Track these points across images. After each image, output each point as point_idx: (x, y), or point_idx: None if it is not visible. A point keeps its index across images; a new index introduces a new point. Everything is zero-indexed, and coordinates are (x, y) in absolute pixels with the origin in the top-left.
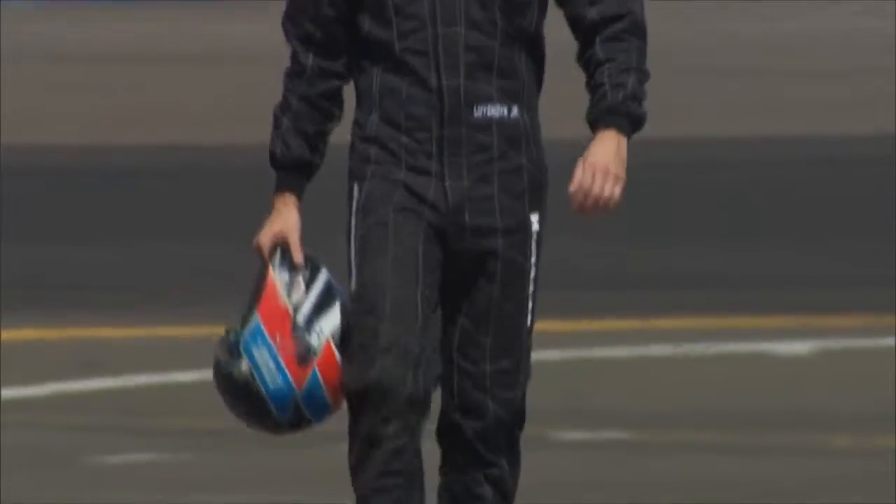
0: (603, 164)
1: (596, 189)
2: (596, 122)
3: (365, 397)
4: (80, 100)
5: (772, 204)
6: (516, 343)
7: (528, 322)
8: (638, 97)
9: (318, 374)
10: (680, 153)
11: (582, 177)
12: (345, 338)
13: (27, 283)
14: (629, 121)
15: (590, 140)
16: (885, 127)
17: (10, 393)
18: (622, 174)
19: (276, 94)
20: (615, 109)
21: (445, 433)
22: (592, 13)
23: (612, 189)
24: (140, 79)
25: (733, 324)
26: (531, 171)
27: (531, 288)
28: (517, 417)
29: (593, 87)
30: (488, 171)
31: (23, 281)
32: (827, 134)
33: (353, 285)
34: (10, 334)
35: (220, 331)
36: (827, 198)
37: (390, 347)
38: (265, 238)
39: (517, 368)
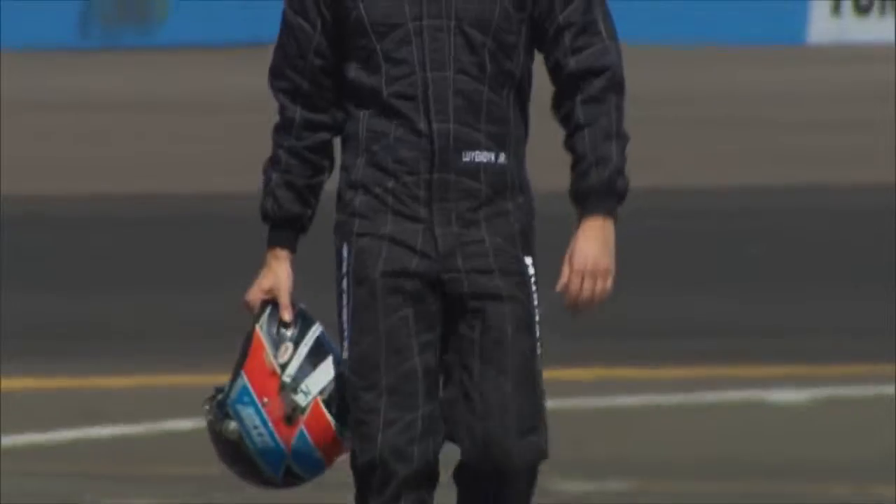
0: (590, 266)
1: (586, 294)
2: (581, 203)
3: (370, 476)
4: (80, 149)
5: (769, 253)
6: (533, 384)
7: (539, 365)
8: (621, 169)
9: (306, 432)
10: (675, 202)
11: (569, 282)
12: (337, 396)
13: (27, 332)
14: (616, 198)
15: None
16: (884, 177)
17: (9, 441)
18: (611, 265)
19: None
20: (601, 190)
21: (462, 474)
22: (572, 63)
23: (602, 288)
24: (137, 127)
25: (731, 372)
26: (519, 216)
27: (538, 332)
28: (535, 461)
29: (575, 154)
30: (476, 217)
31: (22, 330)
32: (825, 183)
33: (348, 359)
34: (9, 383)
35: (217, 379)
36: (824, 246)
37: (392, 423)
38: (254, 295)
39: (535, 411)
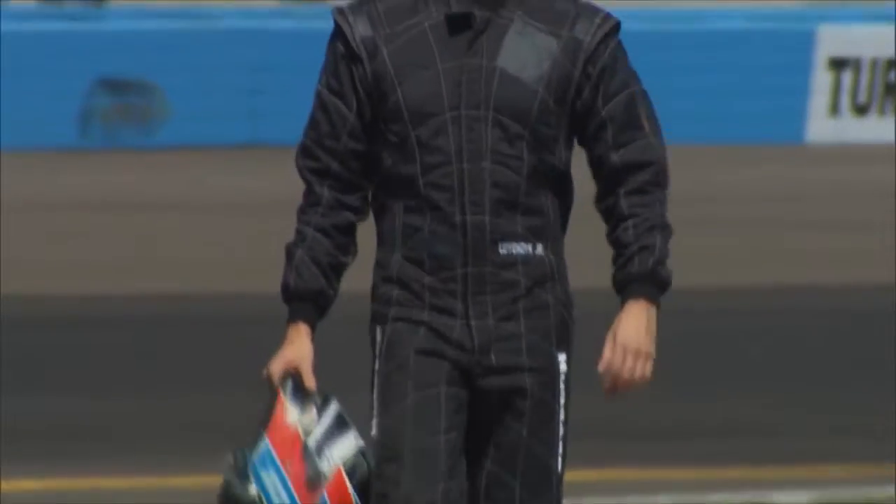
0: (634, 344)
1: (626, 373)
2: (624, 289)
3: None
4: (80, 249)
5: (769, 352)
6: (547, 488)
7: (559, 467)
8: (664, 260)
9: (328, 499)
10: (673, 301)
11: (612, 358)
12: (357, 469)
13: (28, 433)
14: (658, 287)
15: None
16: (885, 277)
17: None
18: (652, 350)
19: (279, 242)
20: (644, 277)
21: None
22: (615, 158)
23: (642, 369)
24: (138, 228)
25: (733, 474)
26: (558, 309)
27: (561, 431)
28: None
29: (617, 244)
30: (514, 310)
31: (23, 432)
32: (825, 283)
33: (374, 430)
34: (10, 485)
35: (219, 480)
36: (825, 347)
37: (412, 496)
38: (276, 366)
39: None
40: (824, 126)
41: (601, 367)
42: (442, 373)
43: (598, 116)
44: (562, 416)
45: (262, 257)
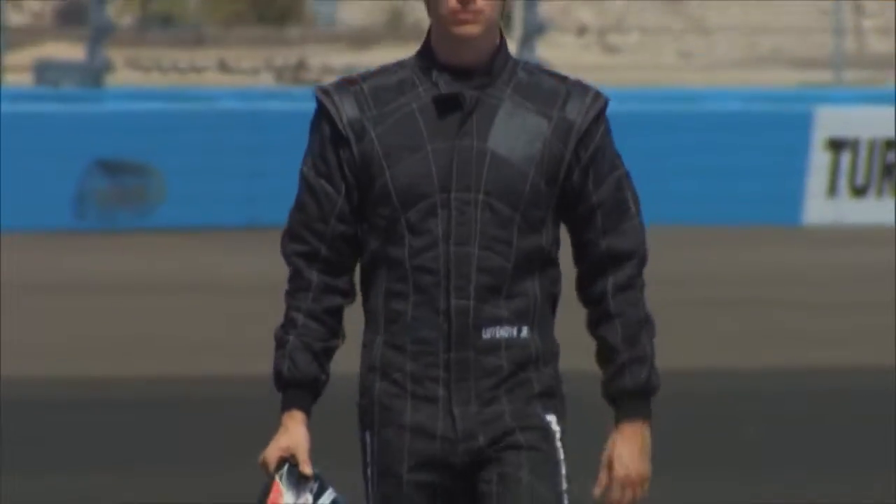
0: (633, 474)
1: (625, 503)
2: (618, 403)
3: None
4: (77, 331)
5: (768, 435)
6: None
7: None
8: (654, 364)
9: None
10: (672, 383)
11: (610, 491)
12: None
13: None
14: (650, 399)
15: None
16: (884, 359)
17: None
18: (648, 471)
19: (271, 324)
20: (638, 392)
21: None
22: (603, 245)
23: (639, 494)
24: (134, 309)
25: None
26: (541, 380)
27: (564, 484)
28: None
29: (605, 346)
30: (497, 394)
31: None
32: (824, 365)
33: None
34: None
35: None
36: (824, 429)
37: None
38: (272, 453)
39: None
40: (822, 207)
41: (596, 495)
42: (436, 487)
43: (588, 201)
44: (563, 470)
45: (261, 339)
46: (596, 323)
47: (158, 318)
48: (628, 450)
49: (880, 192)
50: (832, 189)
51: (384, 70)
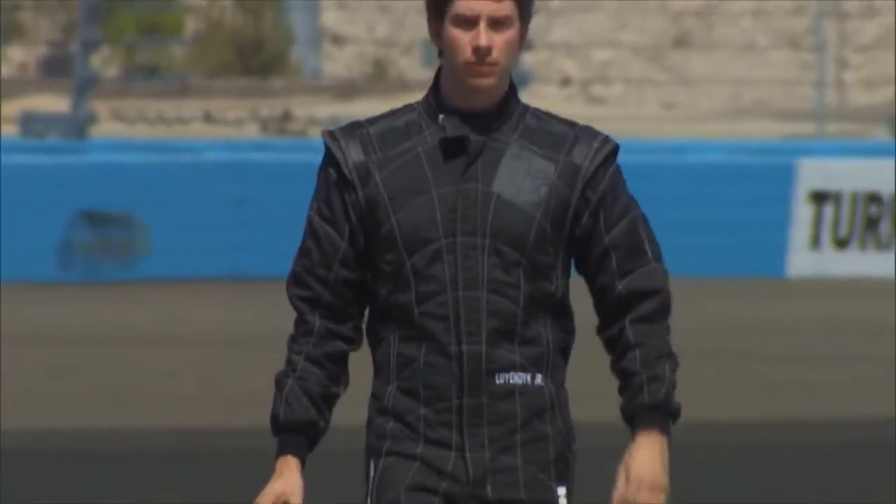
0: (648, 478)
1: None
2: (636, 419)
3: None
4: (61, 383)
5: (752, 489)
6: None
7: None
8: (673, 389)
9: None
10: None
11: (626, 493)
12: None
13: None
14: (670, 417)
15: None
16: (865, 412)
17: None
18: (666, 482)
19: (263, 375)
20: (656, 407)
21: None
22: (620, 287)
23: (657, 502)
24: (118, 361)
25: None
26: (557, 441)
27: None
28: None
29: (624, 373)
30: (511, 443)
31: None
32: (806, 417)
33: None
34: None
35: None
36: (807, 482)
37: None
38: (265, 499)
39: None
40: (805, 260)
41: (616, 499)
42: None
43: (600, 244)
44: None
45: (247, 391)
46: (617, 358)
47: (143, 369)
48: (646, 456)
49: (863, 245)
50: (815, 241)
51: (392, 113)
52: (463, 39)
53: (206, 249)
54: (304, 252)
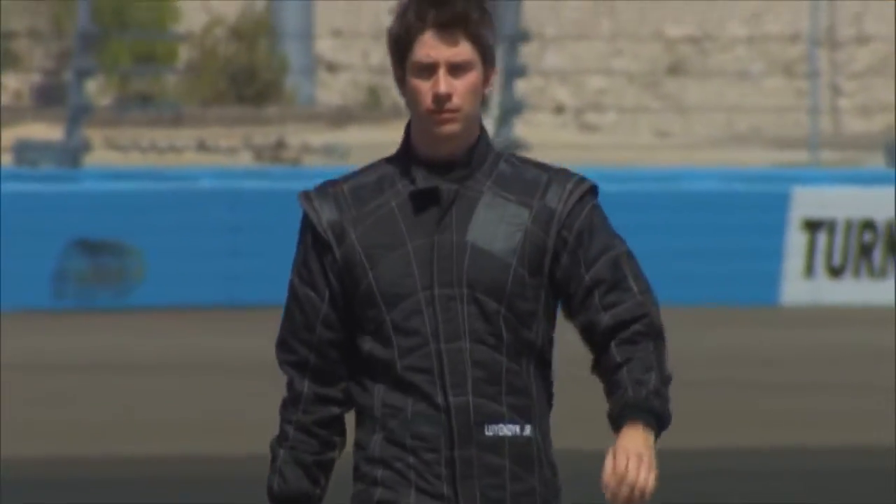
0: (636, 449)
1: (631, 475)
2: (619, 417)
3: None
4: (56, 411)
5: None
6: None
7: None
8: (661, 395)
9: None
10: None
11: (615, 462)
12: None
13: None
14: (654, 417)
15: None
16: (860, 439)
17: None
18: (654, 464)
19: (257, 402)
20: (638, 405)
21: None
22: (607, 319)
23: (647, 476)
24: (112, 389)
25: None
26: (544, 495)
27: None
28: None
29: (612, 388)
30: (502, 496)
31: None
32: (801, 445)
33: None
34: None
35: None
36: None
37: None
38: None
39: None
40: (799, 288)
41: (605, 474)
42: None
43: (582, 282)
44: None
45: (243, 419)
46: (608, 382)
47: (138, 397)
48: (632, 437)
49: (857, 273)
50: (809, 270)
51: (365, 169)
52: (423, 87)
53: (200, 277)
54: (287, 316)
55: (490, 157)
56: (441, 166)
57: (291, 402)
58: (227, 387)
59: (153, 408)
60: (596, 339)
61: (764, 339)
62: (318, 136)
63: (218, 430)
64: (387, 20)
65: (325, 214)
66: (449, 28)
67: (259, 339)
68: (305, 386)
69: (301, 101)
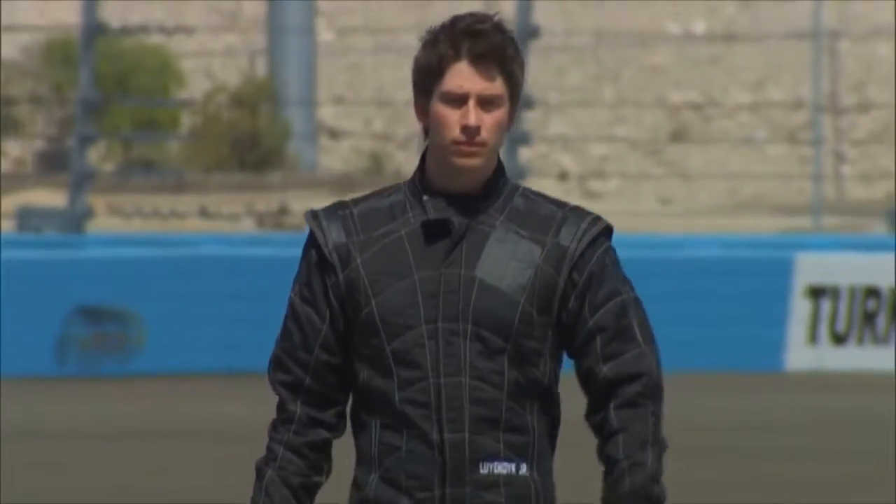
0: None
1: None
2: None
3: None
4: (58, 479)
5: None
6: None
7: None
8: (657, 476)
9: None
10: None
11: None
12: None
13: None
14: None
15: None
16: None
17: None
18: None
19: (252, 470)
20: (636, 493)
21: None
22: (605, 370)
23: None
24: (115, 456)
25: None
26: None
27: None
28: None
29: (608, 461)
30: None
31: None
32: None
33: None
34: None
35: None
36: None
37: None
38: None
39: None
40: (803, 354)
41: None
42: None
43: (586, 327)
44: None
45: (245, 485)
46: (603, 444)
47: (140, 464)
48: None
49: (861, 339)
50: (813, 336)
51: (377, 194)
52: (451, 117)
53: (202, 344)
54: (285, 335)
55: (505, 190)
56: (455, 198)
57: (282, 423)
58: (229, 454)
59: (155, 474)
60: (594, 388)
61: (768, 405)
62: (321, 203)
63: (220, 497)
64: (388, 88)
65: (333, 236)
66: (484, 61)
67: (260, 406)
68: (299, 407)
69: (303, 167)
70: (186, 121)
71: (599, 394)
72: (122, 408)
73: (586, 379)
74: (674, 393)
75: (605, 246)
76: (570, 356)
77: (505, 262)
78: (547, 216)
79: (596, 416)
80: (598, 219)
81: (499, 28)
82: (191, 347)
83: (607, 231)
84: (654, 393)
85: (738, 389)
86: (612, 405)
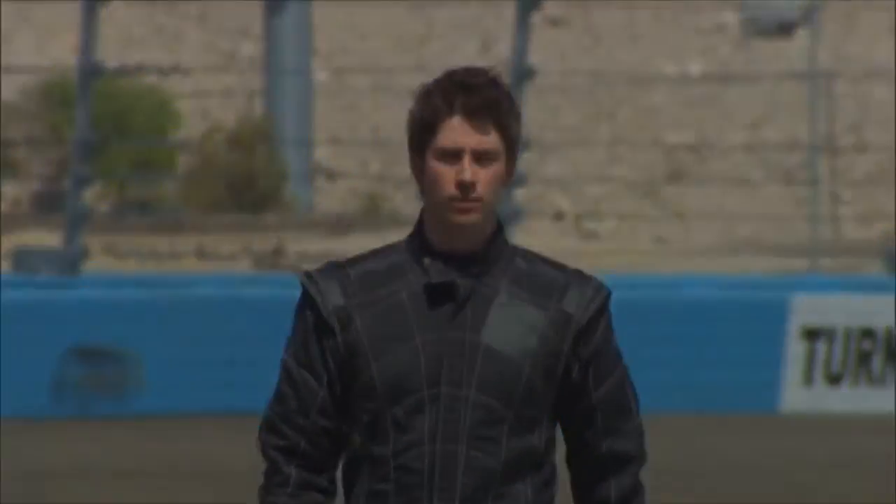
0: None
1: None
2: None
3: None
4: None
5: None
6: None
7: None
8: None
9: None
10: None
11: None
12: None
13: None
14: None
15: None
16: None
17: None
18: None
19: None
20: None
21: None
22: (604, 447)
23: None
24: (112, 497)
25: None
26: None
27: None
28: None
29: None
30: None
31: None
32: None
33: None
34: None
35: None
36: None
37: None
38: None
39: None
40: (798, 396)
41: None
42: None
43: (588, 399)
44: None
45: None
46: None
47: None
48: None
49: (856, 381)
50: (808, 378)
51: (374, 254)
52: (447, 174)
53: (199, 384)
54: (279, 399)
55: (506, 252)
56: (456, 259)
57: (277, 485)
58: (227, 494)
59: None
60: (586, 461)
61: (763, 447)
62: (318, 244)
63: None
64: (385, 128)
65: (331, 299)
66: (478, 115)
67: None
68: (293, 471)
69: (300, 208)
70: (183, 161)
71: (594, 469)
72: (119, 449)
73: (581, 451)
74: (668, 436)
75: (607, 317)
76: (563, 425)
77: (510, 327)
78: (550, 281)
79: (589, 494)
80: (601, 286)
81: (493, 82)
82: (188, 388)
83: (608, 299)
84: (643, 465)
85: (733, 431)
86: (612, 493)
